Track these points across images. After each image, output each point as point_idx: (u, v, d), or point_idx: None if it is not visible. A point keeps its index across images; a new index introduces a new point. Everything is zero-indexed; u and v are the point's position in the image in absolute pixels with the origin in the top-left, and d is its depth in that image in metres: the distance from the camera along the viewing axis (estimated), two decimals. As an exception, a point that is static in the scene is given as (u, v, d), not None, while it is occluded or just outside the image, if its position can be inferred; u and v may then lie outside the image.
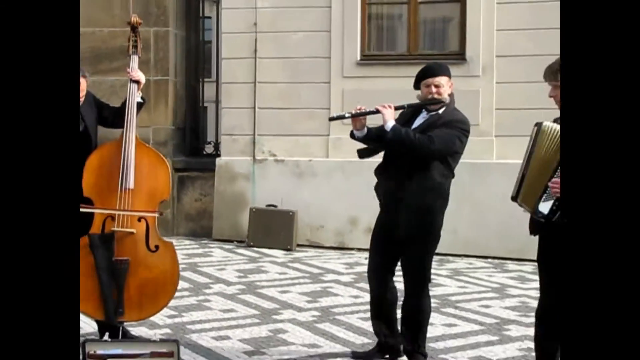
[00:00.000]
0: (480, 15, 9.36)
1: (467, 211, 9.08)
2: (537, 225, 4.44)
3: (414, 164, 4.92)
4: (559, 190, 4.10)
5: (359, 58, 9.66)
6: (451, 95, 5.05)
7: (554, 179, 4.14)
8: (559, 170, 4.09)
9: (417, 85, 5.09)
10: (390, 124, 4.90)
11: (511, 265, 8.75)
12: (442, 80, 4.97)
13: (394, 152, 5.02)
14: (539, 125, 4.29)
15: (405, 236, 4.97)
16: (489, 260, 9.11)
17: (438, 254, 8.51)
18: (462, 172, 8.86)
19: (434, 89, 4.96)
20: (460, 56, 9.41)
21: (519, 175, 4.41)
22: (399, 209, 4.97)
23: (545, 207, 4.21)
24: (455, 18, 9.61)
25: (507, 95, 9.24)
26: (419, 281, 5.03)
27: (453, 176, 5.05)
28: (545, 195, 4.20)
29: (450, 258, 9.05)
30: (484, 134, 9.25)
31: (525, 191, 4.35)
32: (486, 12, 9.35)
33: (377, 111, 4.94)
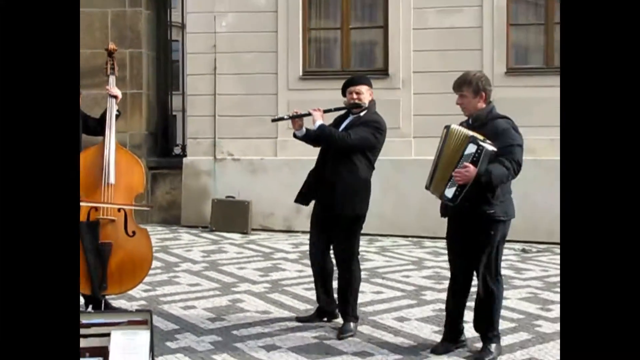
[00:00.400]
0: (400, 39, 9.41)
1: (391, 199, 9.14)
2: (446, 209, 4.54)
3: (341, 158, 4.97)
4: (460, 179, 4.23)
5: (301, 74, 9.66)
6: (371, 101, 5.12)
7: (456, 170, 4.25)
8: (461, 162, 4.23)
9: (343, 93, 5.16)
10: (318, 123, 4.98)
11: (427, 242, 8.84)
12: (362, 88, 5.06)
13: (325, 148, 5.09)
14: (447, 127, 4.43)
15: (335, 217, 5.01)
16: (409, 238, 9.18)
17: (368, 234, 8.71)
18: (387, 167, 9.09)
19: (355, 95, 5.06)
20: (384, 72, 9.44)
21: (431, 169, 4.54)
22: (330, 194, 5.00)
23: (449, 192, 4.32)
24: (380, 41, 9.63)
25: (422, 104, 9.29)
26: (348, 256, 5.06)
27: (373, 168, 5.09)
28: (450, 182, 4.31)
29: (378, 237, 9.10)
30: (404, 136, 9.34)
31: (435, 181, 4.47)
32: (404, 37, 9.40)
33: (309, 113, 5.02)
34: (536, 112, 8.95)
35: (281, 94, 9.66)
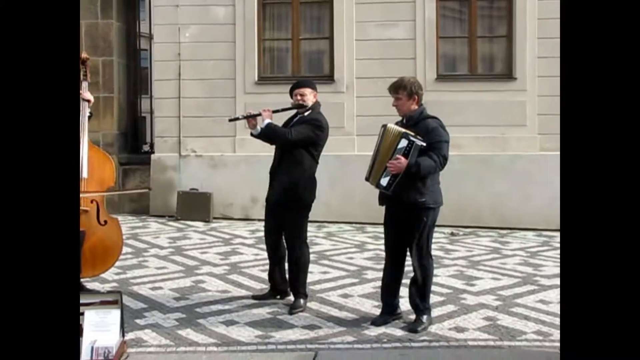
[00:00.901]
0: (344, 49, 9.41)
1: (337, 190, 9.14)
2: (383, 198, 4.57)
3: (287, 153, 4.97)
4: (394, 169, 4.29)
5: (256, 79, 9.58)
6: (316, 102, 5.12)
7: (390, 161, 4.31)
8: (395, 154, 4.29)
9: (291, 95, 5.17)
10: (266, 122, 4.96)
11: (369, 228, 8.88)
12: (305, 90, 5.06)
13: (277, 145, 5.09)
14: (384, 126, 4.50)
15: (284, 206, 5.00)
16: (353, 224, 9.20)
17: (316, 221, 8.73)
18: (333, 162, 9.11)
19: (299, 97, 5.06)
20: (330, 78, 9.44)
21: (370, 162, 4.58)
22: (279, 186, 5.00)
23: (384, 181, 4.37)
24: (326, 51, 9.61)
25: (364, 106, 9.31)
26: (296, 240, 5.05)
27: (317, 163, 5.08)
28: (385, 172, 4.35)
29: (326, 224, 9.10)
30: (348, 134, 9.35)
31: (374, 173, 4.50)
32: (348, 47, 9.40)
33: (260, 114, 5.02)
34: (462, 113, 9.08)
35: (239, 97, 9.58)
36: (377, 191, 4.58)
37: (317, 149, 5.04)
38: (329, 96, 9.20)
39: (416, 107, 4.50)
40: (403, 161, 4.25)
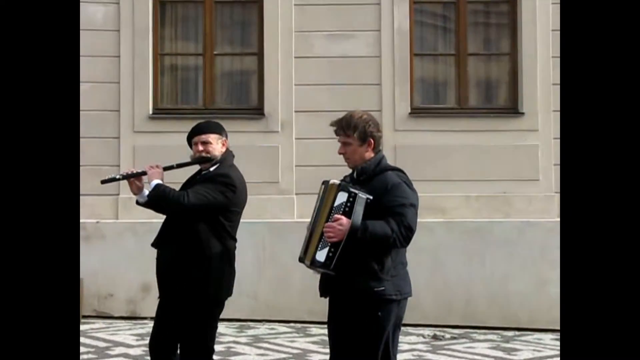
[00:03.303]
0: (279, 69, 9.55)
1: (268, 274, 9.20)
2: (325, 284, 4.62)
3: (183, 226, 5.03)
4: (332, 233, 4.36)
5: (151, 112, 9.60)
6: (226, 152, 5.26)
7: (326, 224, 4.39)
8: (332, 215, 4.39)
9: (190, 144, 5.28)
10: (154, 182, 5.04)
11: (314, 329, 8.85)
12: (210, 137, 5.19)
13: (168, 219, 5.16)
14: (325, 183, 4.57)
15: (179, 302, 5.03)
16: (291, 324, 9.20)
17: (237, 320, 8.62)
18: (263, 232, 9.13)
19: (200, 147, 5.16)
20: (258, 111, 9.58)
21: (306, 234, 4.61)
22: (169, 274, 5.05)
23: (322, 255, 4.42)
24: (253, 71, 9.77)
25: (307, 152, 9.45)
26: (198, 353, 5.07)
27: (234, 238, 5.16)
28: (321, 243, 4.41)
29: (251, 324, 9.08)
30: (284, 192, 9.46)
31: (310, 247, 4.53)
32: (284, 67, 9.56)
33: (145, 172, 5.10)
34: (446, 162, 9.35)
35: (124, 137, 9.52)
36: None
37: (230, 218, 5.12)
38: (258, 138, 9.41)
39: (372, 155, 4.62)
40: (344, 222, 4.32)
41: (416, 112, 9.63)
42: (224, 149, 5.23)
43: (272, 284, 9.28)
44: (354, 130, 4.55)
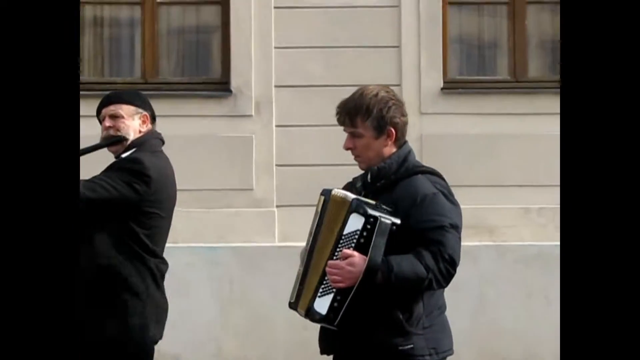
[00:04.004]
0: (251, 26, 9.57)
1: (236, 320, 9.18)
2: (327, 340, 4.60)
3: (83, 242, 4.94)
4: (339, 277, 4.33)
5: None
6: (150, 134, 5.38)
7: (331, 262, 4.36)
8: (339, 248, 4.38)
9: (99, 119, 5.45)
10: None
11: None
12: (120, 110, 5.33)
13: None
14: (326, 194, 4.57)
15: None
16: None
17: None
18: (229, 262, 9.04)
19: (108, 122, 5.32)
20: (222, 86, 9.59)
21: (299, 269, 4.64)
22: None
23: (322, 304, 4.40)
24: (215, 28, 9.84)
25: (293, 145, 9.49)
26: None
27: (154, 255, 5.25)
28: (323, 287, 4.41)
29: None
30: (261, 204, 9.45)
31: (305, 290, 4.55)
32: (260, 21, 9.57)
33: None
34: (494, 160, 9.35)
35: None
36: (318, 325, 4.56)
37: (145, 224, 5.20)
38: (221, 125, 9.42)
39: (393, 150, 4.63)
40: (357, 260, 4.30)
41: (451, 86, 9.62)
42: (144, 129, 5.32)
43: (242, 334, 9.21)
44: (367, 115, 4.54)
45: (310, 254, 4.56)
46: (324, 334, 4.59)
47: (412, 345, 4.42)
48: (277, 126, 9.52)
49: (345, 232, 4.34)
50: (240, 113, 9.50)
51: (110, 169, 5.16)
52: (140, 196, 5.08)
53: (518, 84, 9.68)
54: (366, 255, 4.28)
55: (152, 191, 5.13)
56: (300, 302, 4.53)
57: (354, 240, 4.32)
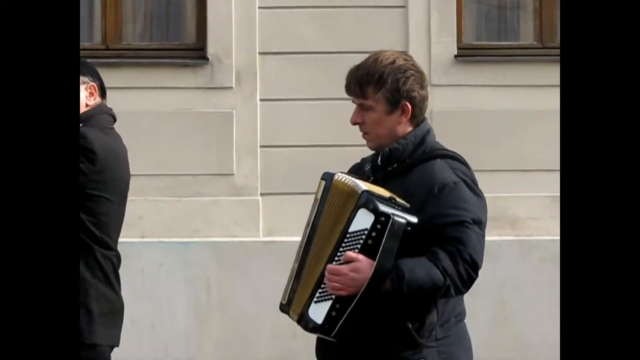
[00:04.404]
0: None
1: (215, 328, 9.25)
2: (328, 350, 4.62)
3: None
4: (339, 285, 4.30)
5: None
6: (98, 108, 5.42)
7: (330, 266, 4.34)
8: (343, 248, 4.34)
9: None
10: None
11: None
12: None
13: None
14: (328, 177, 4.57)
15: None
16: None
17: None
18: (206, 260, 9.00)
19: None
20: (197, 52, 9.68)
21: (293, 267, 4.65)
22: None
23: (318, 311, 4.41)
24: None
25: (279, 123, 9.55)
26: None
27: (109, 249, 5.29)
28: (320, 291, 4.41)
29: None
30: (243, 192, 9.52)
31: (298, 292, 4.56)
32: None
33: None
34: (518, 140, 9.46)
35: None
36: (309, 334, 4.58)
37: (92, 210, 5.25)
38: (197, 98, 9.49)
39: (409, 128, 4.63)
40: (362, 266, 4.31)
41: (467, 53, 9.73)
42: (92, 102, 5.38)
43: (221, 345, 9.29)
44: (380, 85, 4.54)
45: (306, 249, 4.53)
46: (321, 344, 4.59)
47: (422, 357, 4.43)
48: (261, 100, 9.59)
49: (350, 230, 4.32)
50: (219, 85, 9.58)
51: None
52: (85, 177, 5.12)
53: (545, 50, 9.72)
54: (373, 259, 4.25)
55: (97, 169, 5.14)
56: (293, 305, 4.51)
57: (360, 241, 4.29)
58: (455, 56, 9.65)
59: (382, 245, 4.27)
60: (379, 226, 4.27)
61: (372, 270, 4.26)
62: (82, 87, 5.31)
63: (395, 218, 4.27)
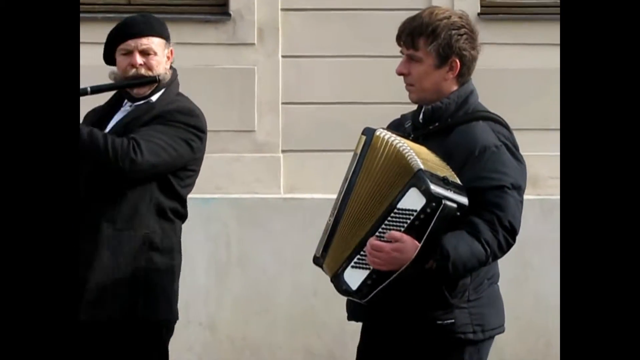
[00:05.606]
0: None
1: (235, 288, 9.29)
2: (356, 307, 4.63)
3: (111, 199, 5.05)
4: (380, 262, 4.30)
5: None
6: (173, 71, 5.36)
7: (372, 242, 4.32)
8: (389, 223, 4.32)
9: (109, 56, 5.34)
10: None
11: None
12: (152, 43, 5.28)
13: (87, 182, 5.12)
14: (369, 133, 4.54)
15: (102, 331, 5.12)
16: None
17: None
18: (226, 217, 9.08)
19: (139, 59, 5.19)
20: (219, 8, 9.66)
21: (328, 221, 4.65)
22: (87, 284, 5.06)
23: (353, 277, 4.43)
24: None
25: (302, 79, 9.53)
26: None
27: (184, 218, 5.30)
28: (359, 257, 4.41)
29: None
30: (264, 149, 9.54)
31: (333, 248, 4.57)
32: None
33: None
34: (542, 100, 9.44)
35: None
36: (329, 293, 4.68)
37: (186, 182, 5.27)
38: (218, 55, 9.50)
39: (454, 86, 4.64)
40: (407, 246, 4.29)
41: (490, 11, 9.73)
42: (169, 65, 5.31)
43: (241, 304, 9.34)
44: (432, 38, 4.53)
45: (342, 205, 4.54)
46: (351, 301, 4.61)
47: (452, 320, 4.44)
48: (283, 57, 9.57)
49: (399, 207, 4.30)
50: (240, 41, 9.57)
51: (155, 119, 5.10)
52: (194, 155, 5.16)
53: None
54: (418, 240, 4.25)
55: (203, 147, 5.19)
56: (328, 259, 4.56)
57: (408, 221, 4.28)
58: (479, 14, 9.60)
59: (429, 229, 4.26)
60: (428, 210, 4.26)
61: (416, 252, 4.25)
62: (165, 52, 5.25)
63: (447, 203, 4.25)
